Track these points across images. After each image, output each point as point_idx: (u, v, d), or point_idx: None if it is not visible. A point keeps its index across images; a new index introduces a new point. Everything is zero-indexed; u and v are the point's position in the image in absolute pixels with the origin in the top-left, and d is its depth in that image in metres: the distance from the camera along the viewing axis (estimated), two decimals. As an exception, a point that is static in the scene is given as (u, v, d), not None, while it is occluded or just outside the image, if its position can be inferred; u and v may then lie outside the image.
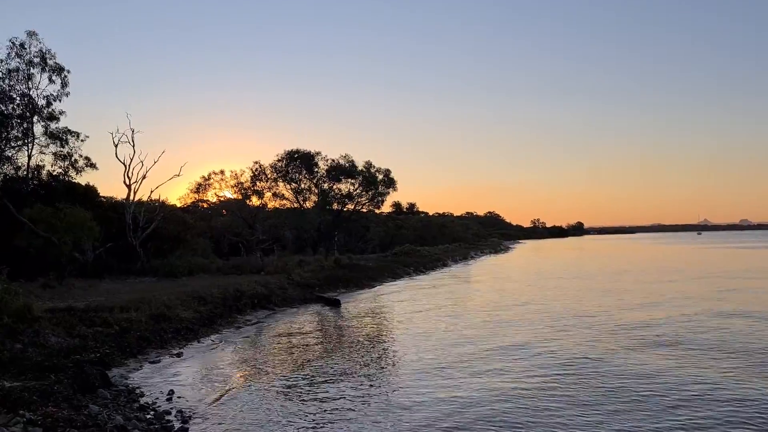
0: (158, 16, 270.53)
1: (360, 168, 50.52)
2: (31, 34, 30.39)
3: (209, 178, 44.29)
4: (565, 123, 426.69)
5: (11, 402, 9.04)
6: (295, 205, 50.45)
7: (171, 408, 10.74)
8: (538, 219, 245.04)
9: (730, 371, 12.73)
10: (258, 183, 45.49)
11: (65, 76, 31.58)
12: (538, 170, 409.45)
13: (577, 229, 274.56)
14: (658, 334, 17.33)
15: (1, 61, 29.96)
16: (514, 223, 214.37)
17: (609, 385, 11.74)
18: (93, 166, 34.14)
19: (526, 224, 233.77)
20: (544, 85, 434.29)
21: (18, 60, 30.37)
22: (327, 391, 11.84)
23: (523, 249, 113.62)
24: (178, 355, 15.59)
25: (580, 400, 10.81)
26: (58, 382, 10.72)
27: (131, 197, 33.94)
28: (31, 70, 30.77)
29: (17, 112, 30.74)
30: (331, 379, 12.84)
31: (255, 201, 45.45)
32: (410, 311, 24.20)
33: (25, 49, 30.40)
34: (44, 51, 30.77)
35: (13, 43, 30.13)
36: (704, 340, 16.30)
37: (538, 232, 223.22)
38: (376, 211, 60.01)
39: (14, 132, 30.87)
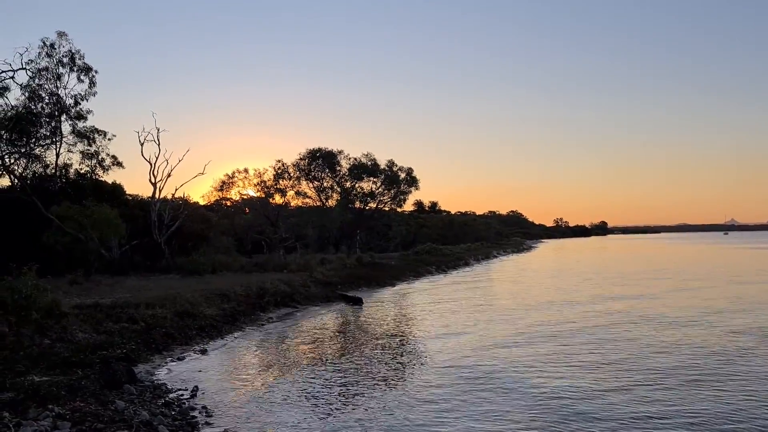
0: (184, 14, 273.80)
1: (382, 167, 50.58)
2: (61, 34, 30.95)
3: (233, 177, 44.84)
4: (589, 121, 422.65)
5: (40, 396, 9.18)
6: (318, 203, 50.66)
7: (196, 404, 10.80)
8: (561, 218, 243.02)
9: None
10: (281, 181, 45.79)
11: (93, 76, 32.10)
12: (562, 169, 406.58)
13: (601, 229, 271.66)
14: None
15: (32, 60, 30.53)
16: (536, 222, 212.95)
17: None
18: (119, 164, 34.70)
19: (549, 223, 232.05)
20: (568, 83, 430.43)
21: (48, 60, 30.94)
22: (349, 391, 11.80)
23: (546, 248, 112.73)
24: (203, 351, 15.70)
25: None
26: (86, 377, 10.86)
27: (156, 195, 34.29)
28: (60, 70, 31.32)
29: (46, 111, 31.30)
30: (353, 379, 12.80)
31: (278, 199, 45.79)
32: (433, 311, 24.08)
33: (55, 49, 30.95)
34: (73, 51, 31.29)
35: (44, 42, 30.70)
36: None
37: (561, 231, 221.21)
38: (398, 209, 59.95)
39: (43, 130, 31.45)
